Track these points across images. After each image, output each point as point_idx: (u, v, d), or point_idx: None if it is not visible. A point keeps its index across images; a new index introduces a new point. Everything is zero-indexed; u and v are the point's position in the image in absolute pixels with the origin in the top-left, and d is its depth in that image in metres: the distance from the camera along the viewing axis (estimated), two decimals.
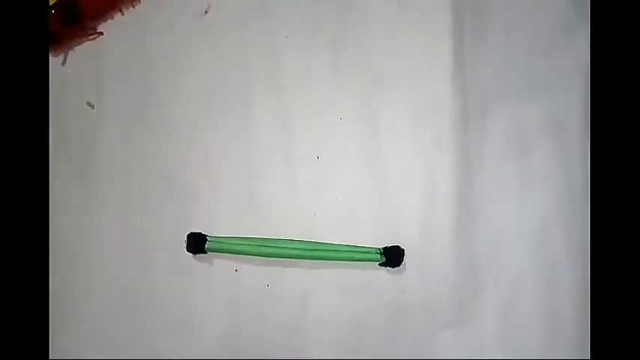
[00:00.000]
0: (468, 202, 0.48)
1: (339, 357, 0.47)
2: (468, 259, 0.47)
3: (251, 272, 0.48)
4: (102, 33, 0.52)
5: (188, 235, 0.48)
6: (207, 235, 0.48)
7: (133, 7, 0.52)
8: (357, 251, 0.47)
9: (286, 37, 0.51)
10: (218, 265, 0.49)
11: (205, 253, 0.47)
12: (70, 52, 0.51)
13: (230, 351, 0.48)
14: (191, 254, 0.48)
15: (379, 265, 0.47)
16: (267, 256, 0.47)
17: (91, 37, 0.51)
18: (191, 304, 0.48)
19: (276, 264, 0.48)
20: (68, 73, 0.51)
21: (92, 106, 0.51)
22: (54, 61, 0.51)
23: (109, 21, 0.52)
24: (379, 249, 0.47)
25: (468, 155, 0.48)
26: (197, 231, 0.48)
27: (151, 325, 0.47)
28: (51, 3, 0.49)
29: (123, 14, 0.52)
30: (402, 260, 0.47)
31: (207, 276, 0.49)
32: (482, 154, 0.48)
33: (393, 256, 0.47)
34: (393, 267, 0.47)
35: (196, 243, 0.48)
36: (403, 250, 0.47)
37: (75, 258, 0.49)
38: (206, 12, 0.52)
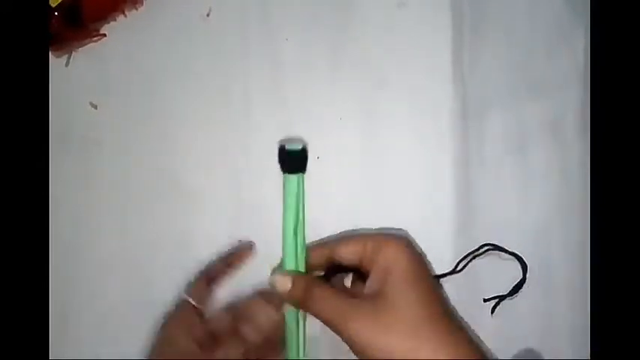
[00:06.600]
0: (467, 201, 0.48)
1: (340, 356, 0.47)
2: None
3: (251, 272, 0.48)
4: (105, 34, 0.52)
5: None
6: None
7: (136, 9, 0.52)
8: None
9: (286, 40, 0.51)
10: None
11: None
12: (73, 54, 0.52)
13: None
14: None
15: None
16: None
17: (93, 38, 0.52)
18: None
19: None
20: (71, 74, 0.52)
21: (95, 107, 0.51)
22: (57, 62, 0.51)
23: (112, 23, 0.52)
24: None
25: (467, 154, 0.48)
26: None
27: (152, 325, 0.47)
28: (54, 5, 0.49)
29: (125, 16, 0.52)
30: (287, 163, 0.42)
31: None
32: (482, 153, 0.48)
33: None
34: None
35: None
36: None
37: (75, 258, 0.49)
38: (208, 14, 0.52)
